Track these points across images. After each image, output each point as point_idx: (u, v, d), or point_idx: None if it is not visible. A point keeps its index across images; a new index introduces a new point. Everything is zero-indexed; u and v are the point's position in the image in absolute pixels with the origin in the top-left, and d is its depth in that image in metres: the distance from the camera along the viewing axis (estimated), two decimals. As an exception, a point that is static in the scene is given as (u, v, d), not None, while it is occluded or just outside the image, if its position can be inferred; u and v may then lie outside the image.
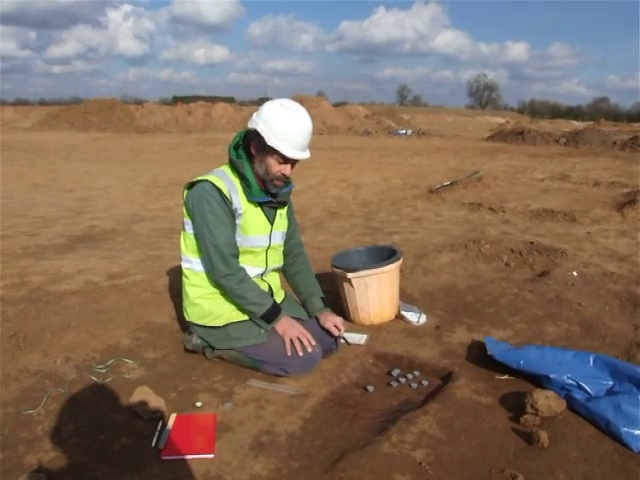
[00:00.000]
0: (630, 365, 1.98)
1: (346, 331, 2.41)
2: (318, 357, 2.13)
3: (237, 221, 2.13)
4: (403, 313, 2.62)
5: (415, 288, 3.07)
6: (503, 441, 1.65)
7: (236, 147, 2.17)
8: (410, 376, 2.11)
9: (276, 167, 2.09)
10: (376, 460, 1.52)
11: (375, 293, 2.52)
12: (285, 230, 2.34)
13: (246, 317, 2.17)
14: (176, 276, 2.94)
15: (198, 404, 1.89)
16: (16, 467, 1.52)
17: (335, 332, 2.25)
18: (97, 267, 3.42)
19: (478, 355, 2.20)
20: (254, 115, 2.10)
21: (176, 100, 39.62)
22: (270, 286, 2.29)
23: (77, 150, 13.36)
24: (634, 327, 2.53)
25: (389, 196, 6.83)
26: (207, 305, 2.18)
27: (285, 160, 2.08)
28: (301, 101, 21.13)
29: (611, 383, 1.90)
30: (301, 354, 2.07)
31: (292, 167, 2.13)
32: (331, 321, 2.27)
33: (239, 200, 2.11)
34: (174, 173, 8.94)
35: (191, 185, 2.15)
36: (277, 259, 2.34)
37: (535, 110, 74.80)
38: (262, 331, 2.14)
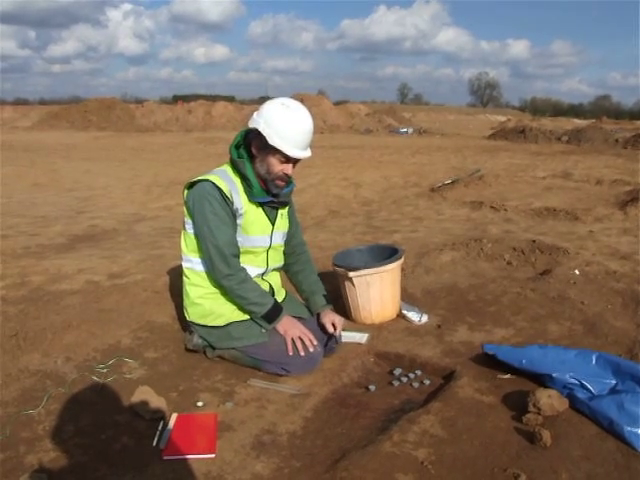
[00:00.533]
0: (633, 364, 1.97)
1: (347, 330, 2.41)
2: (319, 356, 2.13)
3: (238, 221, 2.12)
4: (404, 312, 2.61)
5: (417, 287, 3.06)
6: (505, 440, 1.65)
7: (237, 146, 2.16)
8: (412, 375, 2.10)
9: (278, 166, 2.08)
10: (378, 459, 1.52)
11: (376, 292, 2.52)
12: (286, 230, 2.33)
13: (247, 317, 2.16)
14: (177, 276, 2.94)
15: (199, 404, 1.88)
16: (17, 467, 1.52)
17: (330, 329, 2.21)
18: (98, 267, 3.42)
19: (480, 354, 2.19)
20: (255, 114, 2.08)
21: (176, 99, 39.63)
22: (271, 285, 2.29)
23: (77, 149, 13.36)
24: (637, 325, 2.52)
25: (390, 195, 6.82)
26: (208, 305, 2.17)
27: (287, 159, 2.07)
28: (302, 100, 21.14)
29: (614, 382, 1.89)
30: (302, 354, 2.07)
31: (293, 166, 2.13)
32: (329, 318, 2.24)
33: (240, 200, 2.11)
34: (175, 172, 8.93)
35: (192, 185, 2.14)
36: (278, 259, 2.33)
37: (537, 108, 74.79)
38: (263, 330, 2.13)
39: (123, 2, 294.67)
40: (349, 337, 2.37)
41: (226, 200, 2.07)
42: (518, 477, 1.46)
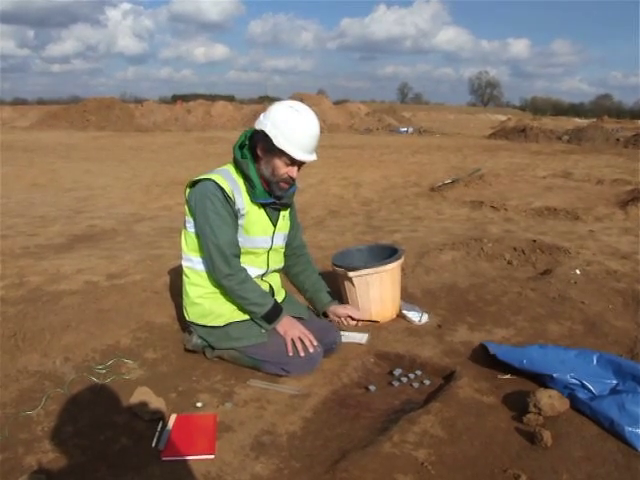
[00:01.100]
0: (634, 364, 1.96)
1: (347, 330, 2.41)
2: (319, 357, 2.12)
3: (239, 221, 2.11)
4: (404, 312, 2.61)
5: (417, 287, 3.06)
6: (506, 441, 1.64)
7: (241, 146, 2.15)
8: (412, 375, 2.09)
9: (283, 169, 2.07)
10: (378, 460, 1.51)
11: (376, 292, 2.51)
12: (287, 232, 2.33)
13: (247, 317, 2.15)
14: (176, 276, 2.93)
15: (198, 404, 1.88)
16: (16, 468, 1.51)
17: (352, 323, 2.38)
18: (97, 267, 3.41)
19: (480, 354, 2.19)
20: (261, 116, 2.08)
21: (175, 99, 39.61)
22: (271, 286, 2.28)
23: (76, 149, 13.35)
24: (638, 325, 2.51)
25: (390, 194, 6.81)
26: (208, 304, 2.16)
27: (292, 162, 2.07)
28: (302, 99, 21.10)
29: (615, 382, 1.88)
30: (302, 354, 2.06)
31: (298, 169, 2.12)
32: (345, 311, 2.40)
33: (242, 200, 2.10)
34: (174, 172, 8.92)
35: (194, 183, 2.13)
36: (278, 260, 2.33)
37: (537, 107, 74.73)
38: (263, 331, 2.13)
39: (122, 1, 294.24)
40: (349, 337, 2.36)
41: (228, 200, 2.06)
42: (518, 477, 1.45)
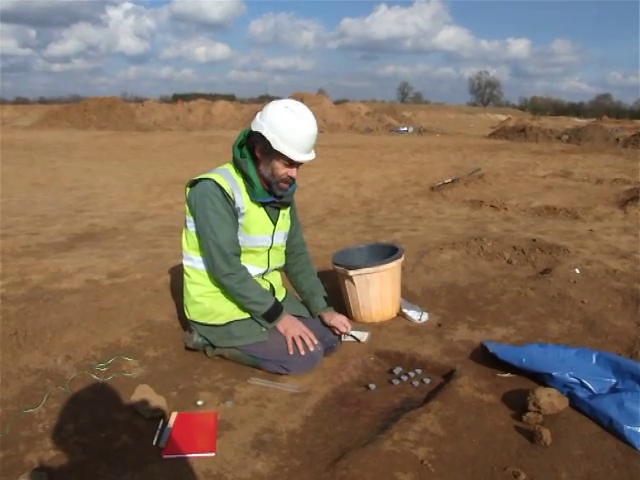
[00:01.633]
0: (633, 362, 1.96)
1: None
2: (319, 355, 2.13)
3: (239, 220, 2.12)
4: (405, 311, 2.61)
5: (417, 286, 3.06)
6: (505, 439, 1.65)
7: (240, 145, 2.15)
8: (412, 374, 2.10)
9: (282, 170, 2.08)
10: (378, 458, 1.52)
11: (376, 291, 2.51)
12: (287, 230, 2.33)
13: (247, 315, 2.16)
14: (177, 274, 2.94)
15: (199, 402, 1.88)
16: (17, 466, 1.52)
17: (342, 329, 2.27)
18: (98, 265, 3.42)
19: (480, 353, 2.19)
20: (257, 117, 2.07)
21: (176, 98, 39.60)
22: (271, 284, 2.28)
23: (77, 148, 13.35)
24: (637, 324, 2.51)
25: (390, 194, 6.82)
26: (208, 303, 2.17)
27: (291, 163, 2.07)
28: (302, 99, 21.13)
29: (614, 381, 1.89)
30: (303, 353, 2.07)
31: (297, 168, 2.13)
32: (337, 319, 2.28)
33: (242, 199, 2.10)
34: (174, 171, 8.93)
35: (194, 182, 2.14)
36: (279, 259, 2.33)
37: (537, 107, 74.70)
38: (263, 329, 2.13)
39: (124, 1, 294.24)
40: (349, 336, 2.36)
41: (228, 199, 2.06)
42: (518, 476, 1.46)
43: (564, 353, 2.02)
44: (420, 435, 1.64)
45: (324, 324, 2.29)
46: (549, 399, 1.74)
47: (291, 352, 2.07)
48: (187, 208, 2.17)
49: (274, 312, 2.13)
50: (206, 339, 2.19)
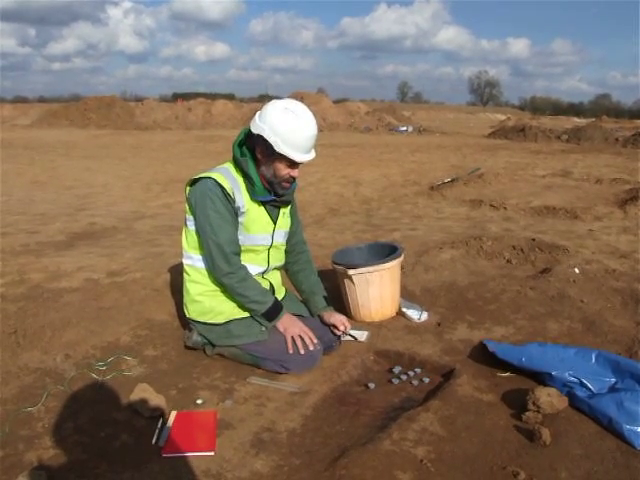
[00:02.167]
0: (633, 362, 1.97)
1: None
2: (319, 354, 2.13)
3: (240, 219, 2.12)
4: (404, 310, 2.61)
5: (416, 285, 3.06)
6: (505, 438, 1.65)
7: (240, 144, 2.15)
8: (411, 373, 2.10)
9: (284, 170, 2.08)
10: (377, 457, 1.52)
11: (376, 290, 2.51)
12: (288, 229, 2.33)
13: (247, 314, 2.16)
14: (176, 273, 2.94)
15: (198, 401, 1.88)
16: (16, 464, 1.52)
17: (342, 328, 2.26)
18: (97, 264, 3.42)
19: (479, 352, 2.20)
20: (257, 118, 2.06)
21: (176, 97, 39.56)
22: (271, 283, 2.28)
23: (77, 147, 13.34)
24: (636, 324, 2.52)
25: (390, 193, 6.82)
26: (208, 302, 2.17)
27: (293, 164, 2.07)
28: (301, 98, 21.12)
29: (613, 380, 1.89)
30: (302, 352, 2.07)
31: (298, 168, 2.13)
32: (336, 318, 2.28)
33: (242, 198, 2.10)
34: (174, 170, 8.92)
35: (194, 181, 2.14)
36: (279, 258, 2.33)
37: (536, 107, 74.67)
38: (263, 328, 2.13)
39: (123, 0, 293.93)
40: (349, 335, 2.36)
41: (228, 198, 2.06)
42: (517, 475, 1.46)
43: (563, 352, 2.02)
44: (419, 434, 1.64)
45: (324, 323, 2.29)
46: (548, 398, 1.74)
47: (291, 351, 2.07)
48: (187, 207, 2.17)
49: (274, 311, 2.13)
50: (206, 338, 2.19)
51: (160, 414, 1.77)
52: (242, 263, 2.14)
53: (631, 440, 1.62)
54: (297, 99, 2.24)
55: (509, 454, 1.57)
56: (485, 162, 10.16)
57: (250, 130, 2.10)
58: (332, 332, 2.27)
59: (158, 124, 23.92)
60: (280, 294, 2.34)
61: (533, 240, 3.92)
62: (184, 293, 2.25)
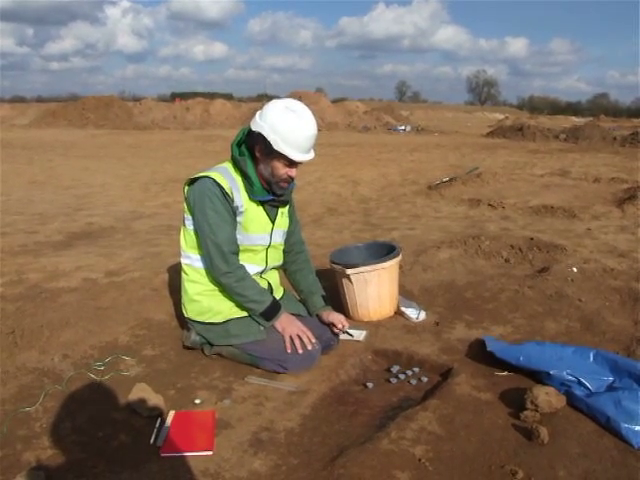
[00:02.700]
0: (630, 361, 1.97)
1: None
2: (317, 354, 2.13)
3: (238, 219, 2.12)
4: (402, 309, 2.61)
5: (414, 284, 3.06)
6: (503, 437, 1.65)
7: (239, 144, 2.15)
8: (409, 372, 2.10)
9: (282, 170, 2.08)
10: (375, 456, 1.52)
11: (374, 289, 2.51)
12: (286, 229, 2.33)
13: (245, 314, 2.16)
14: (175, 273, 2.93)
15: (197, 401, 1.88)
16: (14, 464, 1.51)
17: (340, 326, 2.26)
18: (95, 264, 3.41)
19: (478, 351, 2.20)
20: (257, 117, 2.06)
21: (174, 97, 39.53)
22: (269, 283, 2.28)
23: (75, 147, 13.32)
24: (634, 323, 2.52)
25: (388, 192, 6.82)
26: (206, 302, 2.17)
27: (291, 163, 2.07)
28: (300, 97, 21.10)
29: (611, 379, 1.89)
30: (301, 351, 2.07)
31: (296, 168, 2.13)
32: (334, 316, 2.28)
33: (240, 198, 2.10)
34: (172, 170, 8.91)
35: (193, 181, 2.14)
36: (277, 257, 2.33)
37: (534, 106, 74.76)
38: (261, 328, 2.13)
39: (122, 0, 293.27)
40: (347, 334, 2.36)
41: (226, 197, 2.06)
42: (515, 474, 1.46)
43: (562, 351, 2.02)
44: (418, 433, 1.64)
45: (322, 322, 2.29)
46: (547, 397, 1.75)
47: (289, 350, 2.07)
48: (186, 206, 2.17)
49: (272, 310, 2.12)
50: (204, 337, 2.19)
51: (158, 414, 1.76)
52: (240, 263, 2.14)
53: (629, 439, 1.62)
54: (295, 98, 2.24)
55: (507, 453, 1.57)
56: (483, 161, 10.17)
57: (249, 130, 2.10)
58: (331, 331, 2.27)
59: (156, 124, 23.91)
60: (278, 294, 2.34)
61: (531, 239, 3.92)
62: (182, 293, 2.25)
